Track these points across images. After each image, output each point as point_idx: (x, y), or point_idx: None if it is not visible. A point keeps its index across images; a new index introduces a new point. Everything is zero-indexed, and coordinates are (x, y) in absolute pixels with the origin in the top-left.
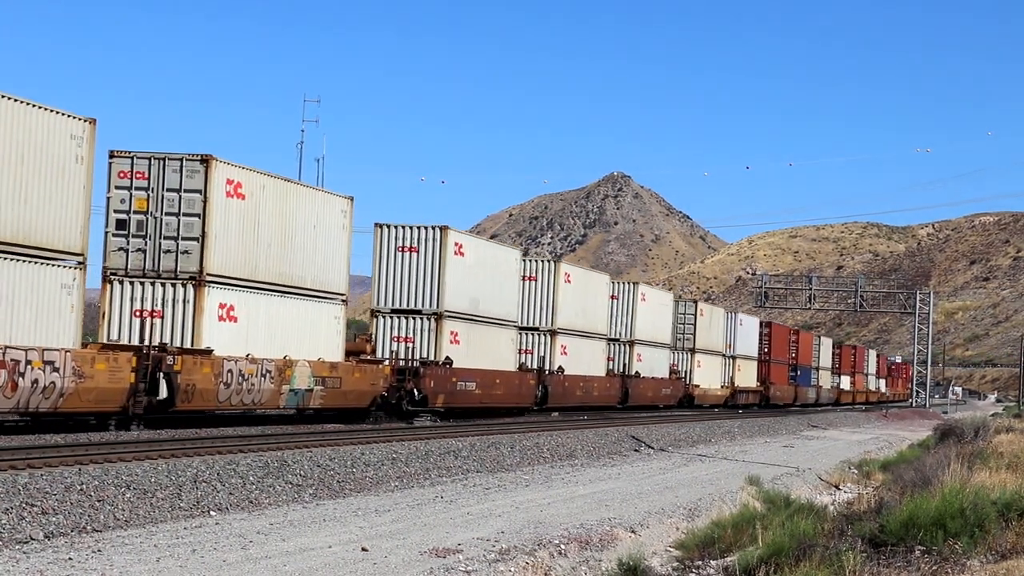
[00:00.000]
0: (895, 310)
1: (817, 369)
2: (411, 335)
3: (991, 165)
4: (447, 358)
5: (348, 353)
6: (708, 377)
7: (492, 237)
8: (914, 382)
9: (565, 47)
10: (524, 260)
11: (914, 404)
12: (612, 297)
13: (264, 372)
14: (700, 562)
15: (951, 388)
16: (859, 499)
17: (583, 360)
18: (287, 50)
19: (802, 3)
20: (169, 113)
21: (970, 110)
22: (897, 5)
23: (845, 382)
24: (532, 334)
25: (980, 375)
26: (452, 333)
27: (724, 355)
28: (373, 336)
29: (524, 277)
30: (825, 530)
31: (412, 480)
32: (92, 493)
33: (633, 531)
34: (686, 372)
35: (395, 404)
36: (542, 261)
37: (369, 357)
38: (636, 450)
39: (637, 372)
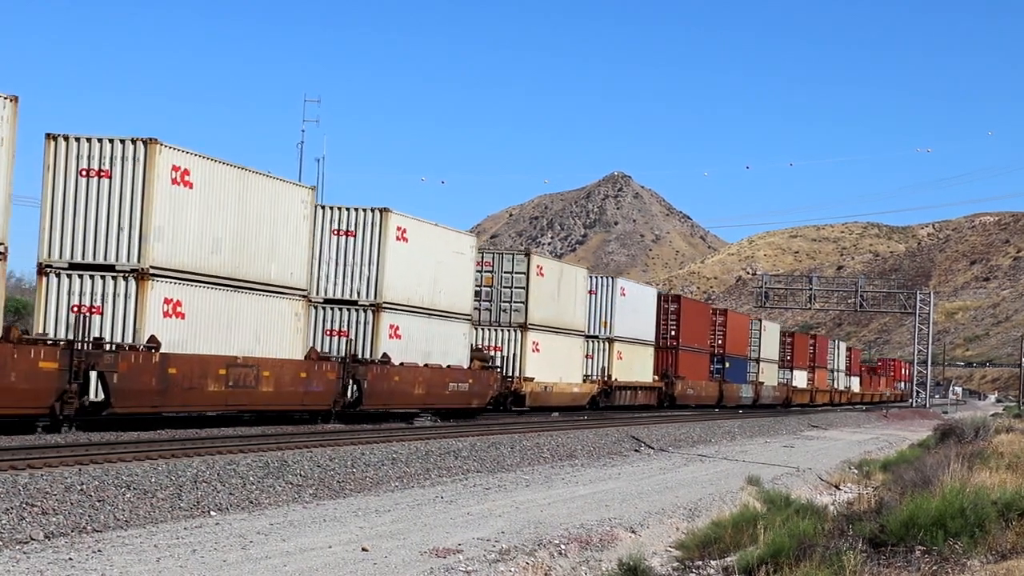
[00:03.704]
0: (895, 310)
1: (757, 361)
2: None
3: (991, 165)
4: None
5: None
6: (553, 367)
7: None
8: (914, 382)
9: (566, 47)
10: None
11: (914, 404)
12: (342, 232)
13: None
14: (700, 562)
15: (951, 388)
16: (859, 499)
17: (242, 331)
18: (287, 50)
19: (802, 3)
20: (169, 112)
21: (970, 110)
22: (897, 5)
23: (800, 378)
24: (98, 278)
25: (980, 375)
26: None
27: (589, 336)
28: None
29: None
30: (825, 530)
31: (412, 480)
32: (92, 493)
33: (633, 531)
34: (508, 359)
35: None
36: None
37: None
38: (636, 450)
39: (386, 356)
